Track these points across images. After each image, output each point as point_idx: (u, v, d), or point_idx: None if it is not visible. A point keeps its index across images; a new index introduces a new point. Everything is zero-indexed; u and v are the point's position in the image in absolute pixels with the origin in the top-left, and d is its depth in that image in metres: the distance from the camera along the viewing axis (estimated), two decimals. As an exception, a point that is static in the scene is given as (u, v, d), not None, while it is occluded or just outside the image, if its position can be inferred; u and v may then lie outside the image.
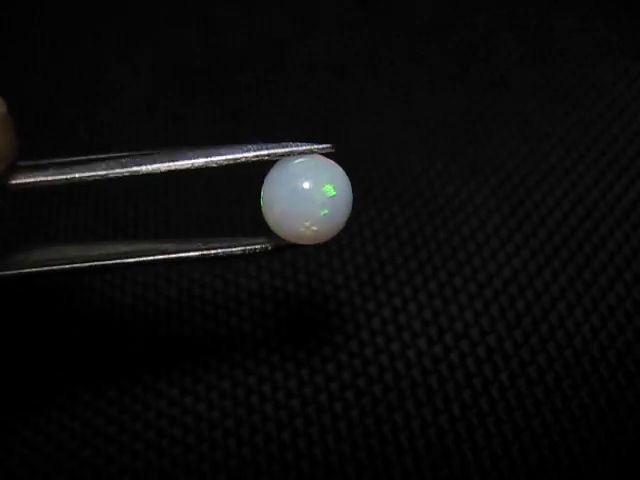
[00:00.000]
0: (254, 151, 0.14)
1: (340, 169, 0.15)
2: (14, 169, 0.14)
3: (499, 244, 0.22)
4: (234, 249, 0.15)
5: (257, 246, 0.15)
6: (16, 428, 0.20)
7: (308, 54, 0.29)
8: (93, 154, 0.25)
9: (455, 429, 0.18)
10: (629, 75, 0.26)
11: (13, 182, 0.14)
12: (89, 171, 0.14)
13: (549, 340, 0.19)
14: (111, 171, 0.14)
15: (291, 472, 0.18)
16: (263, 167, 0.15)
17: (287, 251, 0.22)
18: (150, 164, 0.14)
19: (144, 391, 0.20)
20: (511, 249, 0.21)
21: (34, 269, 0.16)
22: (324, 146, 0.14)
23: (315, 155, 0.14)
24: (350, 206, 0.15)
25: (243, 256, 0.15)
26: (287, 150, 0.14)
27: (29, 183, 0.14)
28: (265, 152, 0.14)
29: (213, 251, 0.15)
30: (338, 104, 0.27)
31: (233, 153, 0.14)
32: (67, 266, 0.16)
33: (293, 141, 0.14)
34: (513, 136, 0.25)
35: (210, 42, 0.30)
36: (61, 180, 0.14)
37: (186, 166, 0.14)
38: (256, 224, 0.15)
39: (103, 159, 0.14)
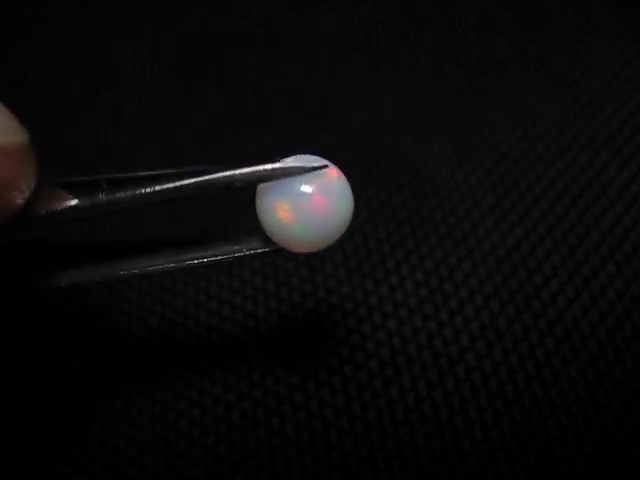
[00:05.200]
0: (237, 171, 0.14)
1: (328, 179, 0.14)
2: (40, 195, 0.14)
3: (493, 224, 0.22)
4: (234, 255, 0.15)
5: (252, 251, 0.15)
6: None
7: (309, 38, 0.29)
8: (97, 144, 0.25)
9: (448, 402, 0.19)
10: (624, 56, 0.26)
11: (41, 211, 0.14)
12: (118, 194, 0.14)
13: (541, 317, 0.20)
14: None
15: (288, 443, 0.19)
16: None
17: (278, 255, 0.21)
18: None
19: (151, 403, 0.21)
20: (505, 229, 0.22)
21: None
22: (317, 165, 0.14)
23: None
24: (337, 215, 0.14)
25: (240, 258, 0.16)
26: (278, 171, 0.14)
27: (57, 211, 0.14)
28: (253, 174, 0.14)
29: (209, 259, 0.15)
30: (338, 87, 0.27)
31: (225, 177, 0.14)
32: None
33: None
34: (508, 117, 0.25)
35: (212, 19, 0.30)
36: (84, 211, 0.14)
37: (175, 193, 0.14)
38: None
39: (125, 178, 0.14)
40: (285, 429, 0.19)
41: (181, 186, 0.14)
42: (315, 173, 0.14)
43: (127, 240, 0.23)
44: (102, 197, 0.14)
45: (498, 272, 0.21)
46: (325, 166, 0.14)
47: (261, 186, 0.14)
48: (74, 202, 0.14)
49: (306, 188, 0.14)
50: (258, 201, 0.14)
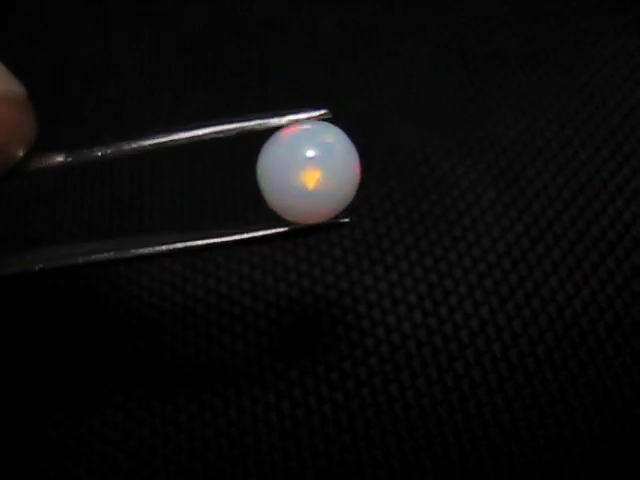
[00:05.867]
0: (241, 122, 0.14)
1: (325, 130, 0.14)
2: (34, 153, 0.14)
3: (494, 219, 0.22)
4: (245, 235, 0.15)
5: (268, 232, 0.15)
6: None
7: (310, 30, 0.29)
8: (97, 132, 0.25)
9: (448, 399, 0.19)
10: (626, 50, 0.25)
11: (33, 166, 0.14)
12: (100, 150, 0.14)
13: (541, 313, 0.20)
14: (115, 149, 0.14)
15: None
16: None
17: (299, 237, 0.20)
18: (154, 139, 0.14)
19: (154, 404, 0.20)
20: (506, 224, 0.22)
21: (47, 265, 0.15)
22: (319, 112, 0.14)
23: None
24: (346, 170, 0.14)
25: (254, 242, 0.15)
26: (278, 121, 0.14)
27: (48, 166, 0.14)
28: (252, 123, 0.14)
29: (222, 239, 0.15)
30: (339, 80, 0.27)
31: (223, 125, 0.14)
32: (80, 261, 0.15)
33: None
34: (510, 111, 0.25)
35: (212, 18, 0.31)
36: (80, 160, 0.14)
37: (178, 138, 0.14)
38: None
39: (106, 144, 0.15)
40: (284, 424, 0.19)
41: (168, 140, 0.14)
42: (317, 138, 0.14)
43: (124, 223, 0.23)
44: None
45: (498, 268, 0.21)
46: (330, 114, 0.14)
47: (261, 166, 0.14)
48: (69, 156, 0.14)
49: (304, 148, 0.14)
50: (260, 175, 0.14)
